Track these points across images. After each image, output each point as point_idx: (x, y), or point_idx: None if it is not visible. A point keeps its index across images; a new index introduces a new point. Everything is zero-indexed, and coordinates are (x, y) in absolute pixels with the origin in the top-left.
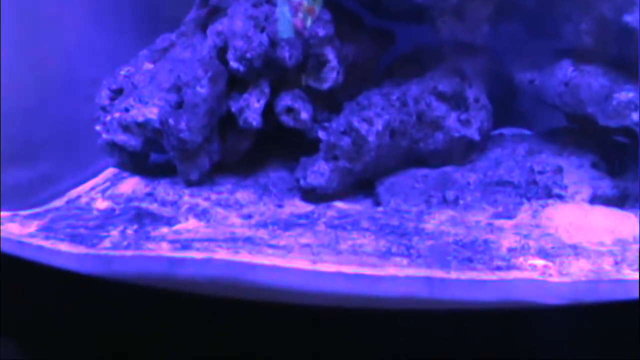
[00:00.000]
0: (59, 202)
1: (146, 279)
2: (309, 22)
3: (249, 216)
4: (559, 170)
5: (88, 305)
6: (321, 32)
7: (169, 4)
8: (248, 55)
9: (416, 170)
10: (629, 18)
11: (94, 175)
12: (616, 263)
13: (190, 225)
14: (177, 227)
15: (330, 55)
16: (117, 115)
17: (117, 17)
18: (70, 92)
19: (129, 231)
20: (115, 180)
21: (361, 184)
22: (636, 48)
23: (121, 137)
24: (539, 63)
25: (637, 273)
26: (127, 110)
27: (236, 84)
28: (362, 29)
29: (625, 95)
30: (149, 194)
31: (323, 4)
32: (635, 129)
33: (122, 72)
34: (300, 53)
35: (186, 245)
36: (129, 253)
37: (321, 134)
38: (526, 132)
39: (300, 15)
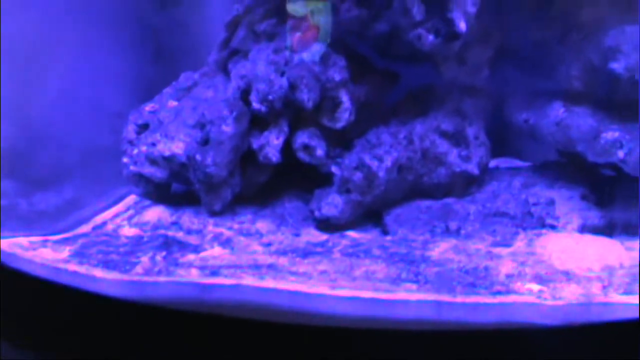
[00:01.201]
0: (85, 228)
1: (179, 303)
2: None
3: (269, 244)
4: (552, 202)
5: (122, 328)
6: (337, 77)
7: (190, 39)
8: (270, 97)
9: (421, 202)
10: (614, 65)
11: (115, 202)
12: (604, 287)
13: (215, 252)
14: (203, 254)
15: (344, 97)
16: (144, 149)
17: (141, 49)
18: (95, 122)
19: (158, 257)
20: (138, 209)
21: (370, 214)
22: (621, 92)
23: (148, 170)
24: (533, 103)
25: (624, 297)
26: (154, 144)
27: (257, 122)
28: (371, 71)
29: (612, 134)
30: (174, 223)
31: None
32: (621, 165)
33: (147, 108)
34: (317, 95)
35: (214, 271)
36: (161, 279)
37: (334, 169)
38: (519, 162)
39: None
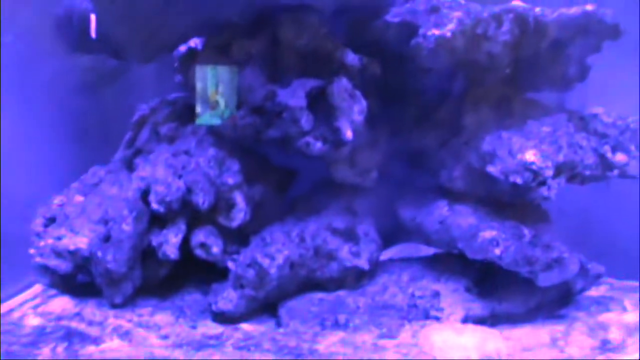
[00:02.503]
0: None
1: None
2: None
3: (166, 337)
4: (436, 294)
5: None
6: (231, 181)
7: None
8: (167, 199)
9: (314, 295)
10: (491, 169)
11: (24, 289)
12: None
13: (114, 345)
14: (103, 346)
15: (239, 199)
16: (50, 241)
17: (52, 144)
18: (6, 210)
19: (59, 349)
20: (44, 298)
21: (266, 306)
22: (500, 191)
23: (54, 262)
24: (420, 202)
25: None
26: (59, 238)
27: (157, 220)
28: (269, 169)
29: (489, 233)
30: (77, 314)
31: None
32: (498, 261)
33: (55, 202)
34: (212, 198)
35: None
36: None
37: (230, 265)
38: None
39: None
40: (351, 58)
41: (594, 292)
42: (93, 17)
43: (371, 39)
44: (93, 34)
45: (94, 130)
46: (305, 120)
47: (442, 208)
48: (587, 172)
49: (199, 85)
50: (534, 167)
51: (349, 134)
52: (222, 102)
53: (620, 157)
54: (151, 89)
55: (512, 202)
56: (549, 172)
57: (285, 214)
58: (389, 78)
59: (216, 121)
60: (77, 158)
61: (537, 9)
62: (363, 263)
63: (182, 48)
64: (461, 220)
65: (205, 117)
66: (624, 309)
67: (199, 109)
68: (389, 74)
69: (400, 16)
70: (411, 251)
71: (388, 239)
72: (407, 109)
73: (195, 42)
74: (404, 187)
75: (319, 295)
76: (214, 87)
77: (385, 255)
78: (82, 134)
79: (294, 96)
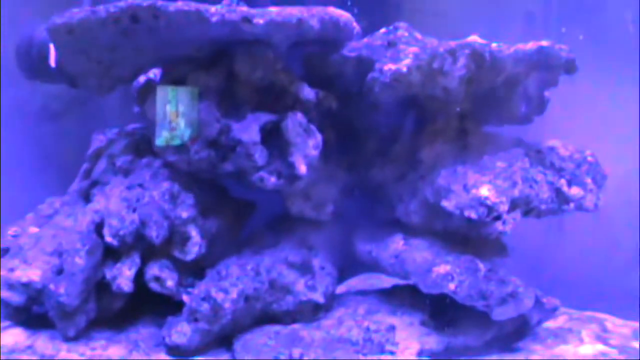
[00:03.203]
0: None
1: None
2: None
3: None
4: (392, 328)
5: None
6: (185, 215)
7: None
8: (121, 232)
9: (270, 327)
10: (445, 203)
11: None
12: None
13: None
14: None
15: (193, 232)
16: (3, 273)
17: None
18: None
19: None
20: None
21: (222, 339)
22: (456, 225)
23: (6, 294)
24: (377, 236)
25: None
26: (12, 270)
27: (111, 253)
28: (226, 202)
29: (444, 268)
30: (30, 347)
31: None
32: (452, 296)
33: (10, 233)
34: (166, 231)
35: None
36: None
37: (185, 298)
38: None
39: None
40: (307, 92)
41: (552, 323)
42: (52, 46)
43: (329, 73)
44: (52, 63)
45: (55, 158)
46: (259, 155)
47: (397, 242)
48: (543, 207)
49: (159, 107)
50: (488, 202)
51: (303, 169)
52: (182, 123)
53: (575, 191)
54: (117, 116)
55: (468, 236)
56: (504, 207)
57: (242, 246)
58: (346, 112)
59: (176, 142)
60: (38, 186)
61: (494, 45)
62: (318, 297)
63: (142, 79)
64: (416, 255)
65: (165, 139)
66: (581, 341)
67: (158, 130)
68: (346, 108)
69: (357, 51)
70: (374, 282)
71: (347, 271)
72: (364, 142)
73: (154, 73)
74: (361, 221)
75: (275, 328)
76: (174, 108)
77: (348, 285)
78: (43, 162)
79: (247, 131)
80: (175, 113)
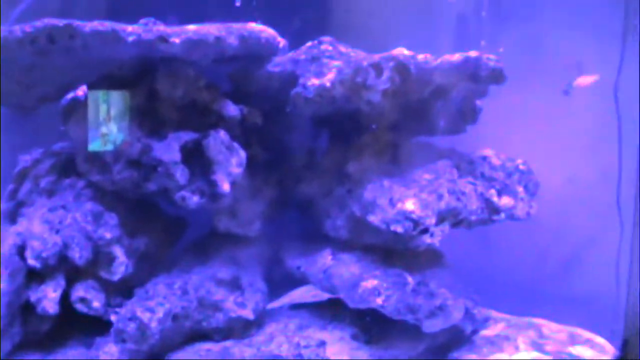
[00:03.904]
0: None
1: None
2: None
3: None
4: (322, 343)
5: None
6: (108, 235)
7: None
8: (44, 254)
9: (201, 345)
10: (371, 218)
11: None
12: None
13: None
14: None
15: (118, 252)
16: None
17: None
18: None
19: None
20: None
21: (153, 358)
22: (384, 239)
23: None
24: (306, 251)
25: None
26: None
27: (35, 276)
28: (156, 219)
29: (371, 283)
30: None
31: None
32: (381, 310)
33: None
34: (89, 252)
35: None
36: None
37: (112, 318)
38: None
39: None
40: (231, 109)
41: (490, 330)
42: None
43: (255, 88)
44: None
45: None
46: (180, 175)
47: (326, 257)
48: (473, 217)
49: (90, 111)
50: (413, 216)
51: (226, 187)
52: (114, 128)
53: (506, 201)
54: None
55: (397, 249)
56: (430, 221)
57: (171, 264)
58: (273, 127)
59: (109, 147)
60: None
61: (420, 56)
62: (248, 313)
63: (69, 96)
64: (343, 270)
65: (98, 144)
66: (516, 348)
67: (91, 135)
68: (273, 124)
69: (282, 65)
70: (318, 292)
71: (280, 286)
72: (291, 157)
73: (83, 91)
74: (291, 236)
75: (206, 345)
76: (106, 112)
77: (290, 297)
78: None
79: (168, 150)
80: (107, 117)
